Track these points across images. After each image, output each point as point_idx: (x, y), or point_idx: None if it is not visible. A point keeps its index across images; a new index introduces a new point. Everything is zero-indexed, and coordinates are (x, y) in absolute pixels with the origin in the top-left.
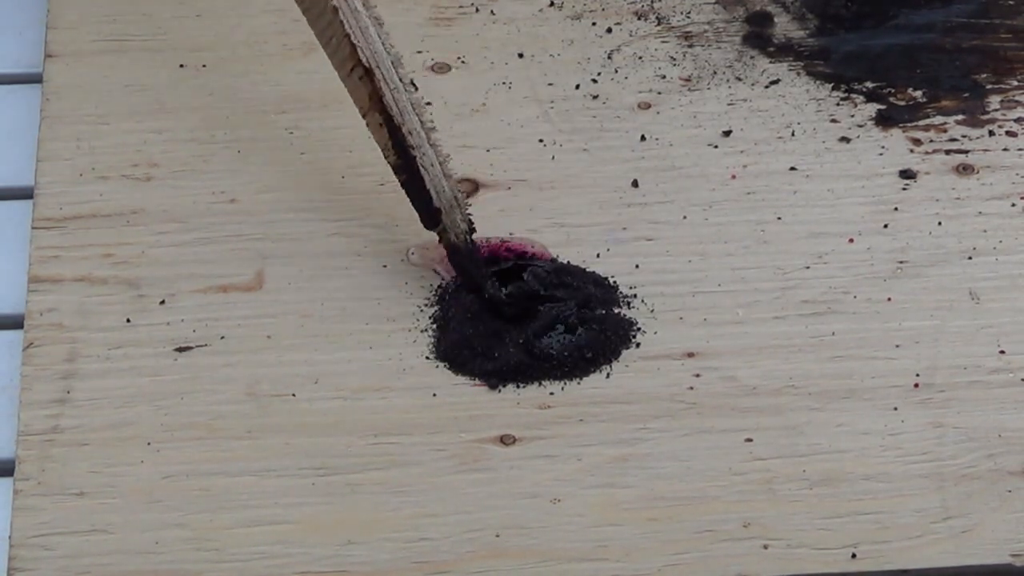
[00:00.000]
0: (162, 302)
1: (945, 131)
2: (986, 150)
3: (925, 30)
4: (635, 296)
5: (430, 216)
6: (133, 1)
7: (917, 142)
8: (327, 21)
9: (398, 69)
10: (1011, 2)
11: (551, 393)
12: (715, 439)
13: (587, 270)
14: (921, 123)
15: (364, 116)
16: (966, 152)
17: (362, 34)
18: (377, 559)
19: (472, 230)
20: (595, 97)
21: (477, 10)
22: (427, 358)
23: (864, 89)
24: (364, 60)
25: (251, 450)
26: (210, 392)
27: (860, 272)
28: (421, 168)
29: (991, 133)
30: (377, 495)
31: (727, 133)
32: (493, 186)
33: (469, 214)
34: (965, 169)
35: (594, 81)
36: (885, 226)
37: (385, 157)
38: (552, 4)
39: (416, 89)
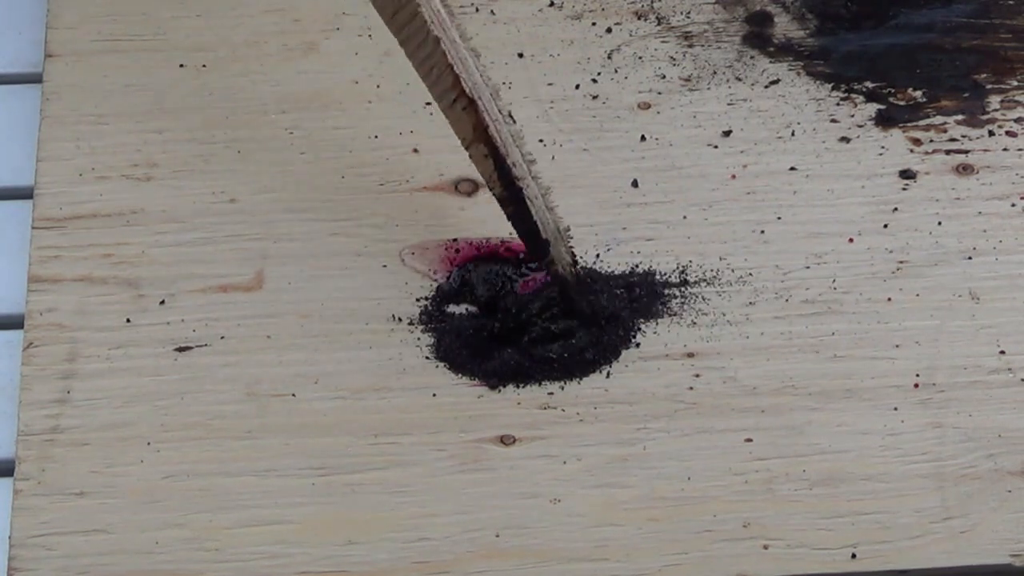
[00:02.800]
0: (162, 302)
1: (945, 131)
2: (986, 150)
3: (925, 30)
4: (635, 295)
5: (539, 247)
6: (133, 1)
7: (917, 142)
8: (428, 52)
9: (497, 101)
10: (1011, 2)
11: (551, 393)
12: (715, 439)
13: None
14: (921, 123)
15: (467, 147)
16: (966, 152)
17: (463, 65)
18: (377, 559)
19: (575, 263)
20: (595, 97)
21: (477, 10)
22: (427, 358)
23: (864, 89)
24: (467, 91)
25: (251, 450)
26: (210, 392)
27: (860, 272)
28: (527, 200)
29: (991, 133)
30: (377, 495)
31: (727, 133)
32: None
33: (571, 247)
34: (965, 169)
35: (594, 81)
36: (885, 226)
37: (490, 189)
38: (552, 4)
39: (515, 122)
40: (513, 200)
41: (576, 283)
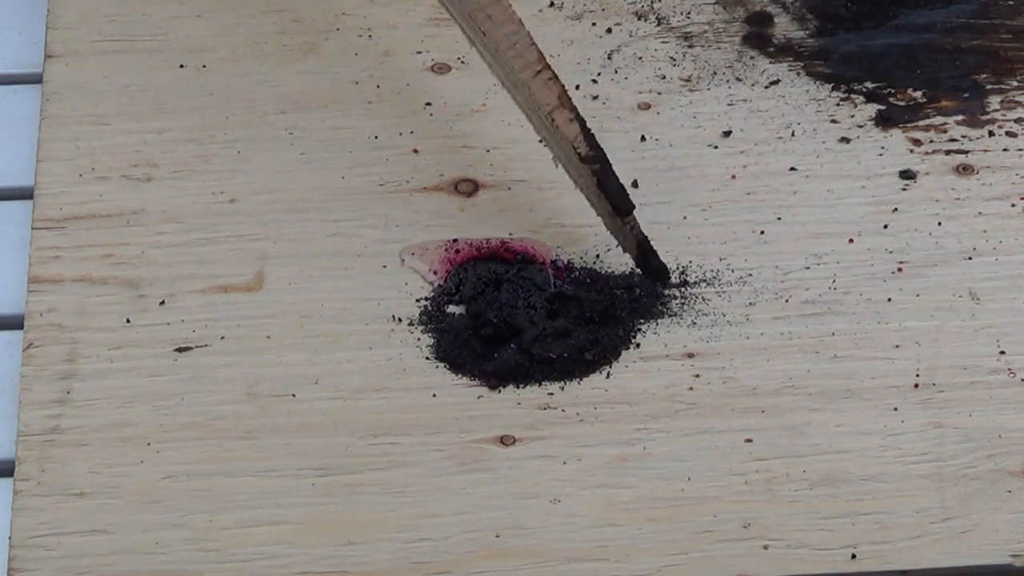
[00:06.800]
0: (162, 302)
1: (945, 131)
2: (986, 150)
3: (925, 30)
4: (635, 296)
5: (624, 202)
6: (133, 1)
7: (917, 142)
8: (512, 30)
9: None
10: (1011, 2)
11: (551, 393)
12: (715, 439)
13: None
14: (921, 123)
15: (550, 114)
16: (966, 152)
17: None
18: (377, 559)
19: None
20: (595, 97)
21: None
22: (427, 358)
23: (864, 89)
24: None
25: (251, 450)
26: (210, 392)
27: (860, 272)
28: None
29: (991, 133)
30: (377, 495)
31: (727, 133)
32: (493, 186)
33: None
34: (965, 169)
35: (594, 81)
36: (885, 226)
37: (576, 150)
38: (552, 4)
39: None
40: (600, 158)
41: (647, 244)
